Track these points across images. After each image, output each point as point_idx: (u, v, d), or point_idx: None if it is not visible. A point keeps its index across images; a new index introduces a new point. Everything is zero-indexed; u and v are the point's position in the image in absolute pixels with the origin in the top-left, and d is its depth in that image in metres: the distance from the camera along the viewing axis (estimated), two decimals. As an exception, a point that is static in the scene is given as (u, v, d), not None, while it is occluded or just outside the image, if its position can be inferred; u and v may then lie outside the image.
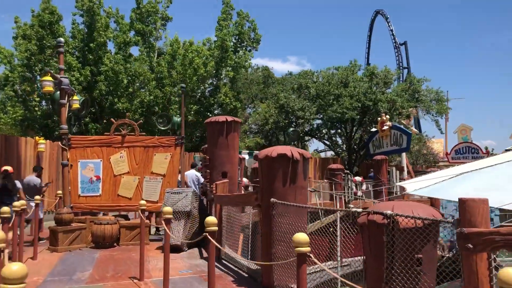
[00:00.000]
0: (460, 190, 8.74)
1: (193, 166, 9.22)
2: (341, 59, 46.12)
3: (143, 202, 5.66)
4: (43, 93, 7.90)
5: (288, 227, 4.62)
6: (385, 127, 23.21)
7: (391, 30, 52.38)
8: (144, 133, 8.65)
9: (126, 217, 8.43)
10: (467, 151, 31.98)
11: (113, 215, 8.36)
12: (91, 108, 20.22)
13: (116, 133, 8.50)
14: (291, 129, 26.22)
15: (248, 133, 32.47)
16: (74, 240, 7.35)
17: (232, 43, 24.87)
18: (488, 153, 33.26)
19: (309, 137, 31.22)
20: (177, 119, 20.52)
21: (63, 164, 8.21)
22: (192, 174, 8.82)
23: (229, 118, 7.48)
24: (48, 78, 7.73)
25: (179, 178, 8.60)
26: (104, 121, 23.49)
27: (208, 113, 25.86)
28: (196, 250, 7.47)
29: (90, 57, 21.78)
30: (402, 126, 23.82)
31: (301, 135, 29.31)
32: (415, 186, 9.94)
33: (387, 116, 24.20)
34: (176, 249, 7.12)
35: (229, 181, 7.30)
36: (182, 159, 8.36)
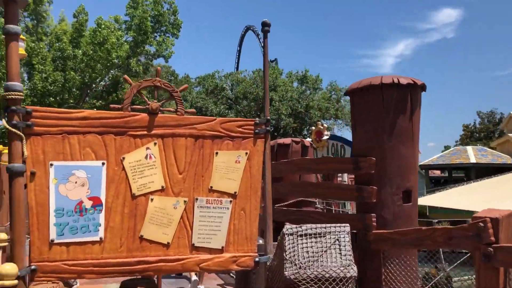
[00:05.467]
0: None
1: None
2: (208, 69, 44.86)
3: None
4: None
5: None
6: (324, 137, 20.91)
7: (262, 47, 52.81)
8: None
9: (153, 285, 4.02)
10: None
11: (129, 281, 3.88)
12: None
13: (135, 106, 4.11)
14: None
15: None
16: None
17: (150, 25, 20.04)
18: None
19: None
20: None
21: (12, 169, 3.52)
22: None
23: (418, 81, 3.76)
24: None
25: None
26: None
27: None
28: None
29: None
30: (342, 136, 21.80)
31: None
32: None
33: (325, 125, 21.98)
34: None
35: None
36: (267, 162, 4.30)
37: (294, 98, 22.08)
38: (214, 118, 4.21)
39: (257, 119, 4.33)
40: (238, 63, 54.20)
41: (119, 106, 3.97)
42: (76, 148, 3.75)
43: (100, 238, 3.74)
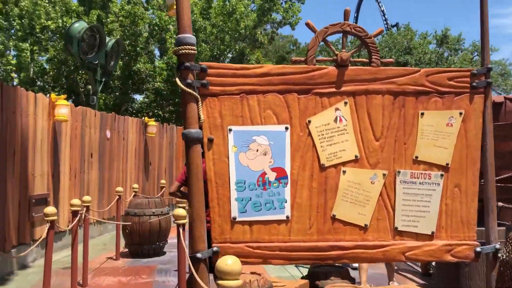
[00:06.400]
0: None
1: None
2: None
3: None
4: None
5: None
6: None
7: (382, 11, 49.29)
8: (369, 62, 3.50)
9: (347, 275, 3.35)
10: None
11: (319, 268, 3.27)
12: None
13: (320, 58, 3.40)
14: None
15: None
16: None
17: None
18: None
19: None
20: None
21: (188, 136, 3.04)
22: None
23: None
24: None
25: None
26: (111, 90, 17.96)
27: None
28: None
29: (97, -3, 16.00)
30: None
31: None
32: None
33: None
34: None
35: None
36: (488, 125, 3.30)
37: (432, 61, 19.84)
38: (418, 69, 3.30)
39: (474, 69, 3.33)
40: (355, 31, 52.12)
41: (302, 58, 3.27)
42: (256, 111, 3.15)
43: (287, 217, 3.13)
